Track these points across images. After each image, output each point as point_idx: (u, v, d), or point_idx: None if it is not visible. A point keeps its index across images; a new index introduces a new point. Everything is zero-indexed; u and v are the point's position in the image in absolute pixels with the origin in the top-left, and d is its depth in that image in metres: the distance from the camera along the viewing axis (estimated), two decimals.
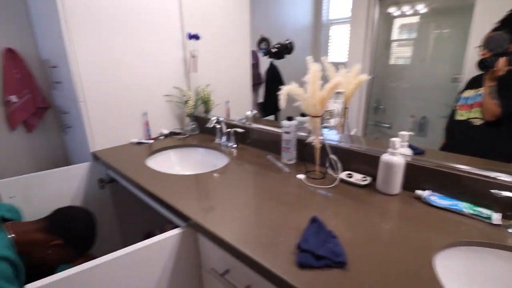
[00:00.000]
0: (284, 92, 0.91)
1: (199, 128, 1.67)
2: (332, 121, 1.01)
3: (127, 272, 0.71)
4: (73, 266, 1.01)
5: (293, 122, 1.10)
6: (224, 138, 1.42)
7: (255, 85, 1.58)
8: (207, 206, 0.82)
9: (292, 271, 0.56)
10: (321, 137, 0.98)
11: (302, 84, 0.92)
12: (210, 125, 1.32)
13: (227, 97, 1.62)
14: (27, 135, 1.62)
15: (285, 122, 1.10)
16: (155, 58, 1.49)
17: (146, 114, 1.51)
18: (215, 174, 1.07)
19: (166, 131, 1.61)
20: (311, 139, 0.98)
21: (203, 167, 1.35)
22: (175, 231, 0.79)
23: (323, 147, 0.98)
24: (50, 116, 1.68)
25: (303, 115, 1.15)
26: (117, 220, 1.49)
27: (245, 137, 1.41)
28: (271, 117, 1.52)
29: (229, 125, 1.43)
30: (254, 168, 1.11)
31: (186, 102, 1.61)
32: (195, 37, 1.50)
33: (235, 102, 1.61)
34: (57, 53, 1.32)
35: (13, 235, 0.89)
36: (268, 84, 1.54)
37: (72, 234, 0.98)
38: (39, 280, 0.60)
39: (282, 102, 0.91)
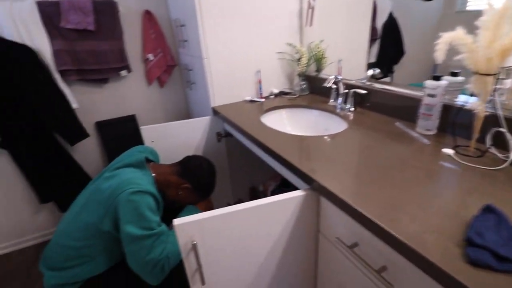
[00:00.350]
0: (445, 40, 0.70)
1: (309, 89, 1.57)
2: (509, 82, 0.75)
3: (253, 222, 0.74)
4: (197, 208, 1.17)
5: (442, 83, 0.87)
6: (340, 100, 1.29)
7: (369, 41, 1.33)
8: (332, 172, 0.76)
9: (460, 267, 0.45)
10: (487, 104, 0.74)
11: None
12: (327, 84, 1.21)
13: (340, 55, 1.44)
14: (159, 90, 1.87)
15: (429, 83, 0.89)
16: (269, 11, 1.42)
17: (259, 72, 1.50)
18: (331, 138, 0.98)
19: (276, 91, 1.58)
20: (473, 105, 0.76)
21: (314, 130, 1.29)
22: (298, 193, 0.76)
23: (488, 117, 0.75)
24: (176, 73, 1.87)
25: (453, 74, 0.91)
26: (228, 171, 1.63)
27: (365, 100, 1.24)
28: (387, 79, 1.28)
29: (347, 86, 1.28)
30: (379, 136, 0.96)
31: (298, 59, 1.51)
32: None
33: (349, 61, 1.42)
34: (186, 12, 1.40)
35: (154, 175, 1.05)
36: (384, 40, 1.28)
37: (199, 181, 1.10)
38: (188, 216, 0.68)
39: (440, 54, 0.71)
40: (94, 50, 1.50)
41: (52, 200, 1.65)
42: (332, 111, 1.28)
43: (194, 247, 0.68)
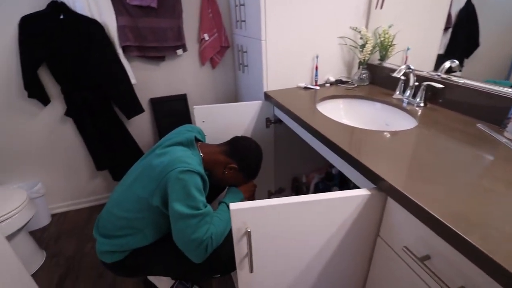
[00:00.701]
0: None
1: (369, 78, 1.45)
2: None
3: (310, 216, 0.70)
4: (240, 192, 1.15)
5: None
6: (407, 93, 1.16)
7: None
8: (403, 173, 0.68)
9: None
10: None
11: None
12: (397, 74, 1.09)
13: (409, 43, 1.29)
14: (211, 71, 1.87)
15: None
16: None
17: (316, 58, 1.42)
18: (398, 135, 0.89)
19: (332, 79, 1.48)
20: None
21: (374, 124, 1.18)
22: (362, 192, 0.70)
23: None
24: (228, 55, 1.85)
25: None
26: (273, 159, 1.59)
27: (437, 95, 1.11)
28: (457, 74, 1.11)
29: (418, 78, 1.15)
30: (457, 138, 0.84)
31: (362, 46, 1.39)
32: None
33: (417, 50, 1.27)
34: None
35: (201, 155, 1.05)
36: (457, 29, 1.09)
37: (246, 162, 1.07)
38: (245, 202, 0.65)
39: None
40: (155, 28, 1.52)
41: (107, 168, 1.78)
42: (397, 105, 1.16)
43: (248, 234, 0.66)
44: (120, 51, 1.50)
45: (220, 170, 1.07)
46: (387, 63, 1.40)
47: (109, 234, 1.04)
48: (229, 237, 1.05)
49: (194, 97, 1.89)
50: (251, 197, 1.17)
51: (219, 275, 1.14)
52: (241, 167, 1.07)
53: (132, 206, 0.99)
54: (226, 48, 1.80)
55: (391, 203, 0.68)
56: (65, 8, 1.37)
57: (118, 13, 1.44)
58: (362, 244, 0.78)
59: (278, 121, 1.45)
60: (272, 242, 0.72)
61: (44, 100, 1.55)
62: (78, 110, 1.57)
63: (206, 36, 1.69)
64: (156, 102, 1.78)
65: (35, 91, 1.50)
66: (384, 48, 1.38)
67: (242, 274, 0.76)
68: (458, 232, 0.49)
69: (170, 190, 0.88)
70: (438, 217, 0.53)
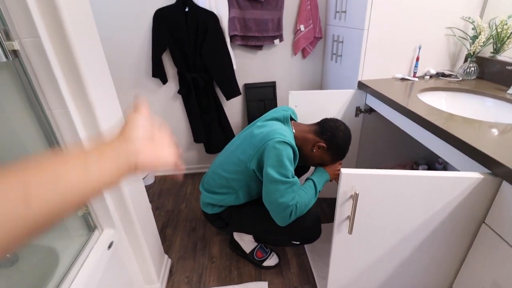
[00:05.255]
0: None
1: (477, 73, 1.36)
2: None
3: (417, 191, 0.75)
4: (326, 172, 1.22)
5: None
6: None
7: None
8: None
9: None
10: None
11: None
12: None
13: None
14: (301, 61, 1.97)
15: None
16: None
17: (419, 48, 1.39)
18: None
19: (433, 71, 1.43)
20: None
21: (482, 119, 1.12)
22: (475, 175, 0.71)
23: None
24: (320, 45, 1.92)
25: None
26: (357, 148, 1.62)
27: None
28: None
29: None
30: None
31: (474, 37, 1.31)
32: None
33: None
34: None
35: (294, 131, 1.16)
36: None
37: (334, 141, 1.12)
38: (356, 169, 0.74)
39: None
40: (258, 19, 1.69)
41: (202, 142, 2.06)
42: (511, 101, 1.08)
43: (355, 197, 0.75)
44: (228, 40, 1.72)
45: (309, 148, 1.14)
46: (502, 56, 1.29)
47: (212, 190, 1.25)
48: (313, 210, 1.15)
49: (282, 85, 2.02)
50: (336, 179, 1.23)
51: (298, 243, 1.26)
52: (329, 146, 1.12)
53: (232, 168, 1.17)
54: (318, 39, 1.87)
55: (506, 188, 0.68)
56: (190, 2, 1.63)
57: (230, 6, 1.65)
58: (463, 228, 0.80)
59: (369, 110, 1.47)
60: (374, 210, 0.79)
61: (163, 79, 1.87)
62: (187, 89, 1.85)
63: (302, 27, 1.79)
64: (249, 87, 1.98)
65: (158, 72, 1.83)
66: (500, 41, 1.27)
67: (338, 236, 0.86)
68: None
69: (266, 156, 1.02)
70: None
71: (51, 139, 0.82)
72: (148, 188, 2.17)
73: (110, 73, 0.94)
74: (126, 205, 0.99)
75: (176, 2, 1.66)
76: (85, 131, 0.83)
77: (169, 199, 2.03)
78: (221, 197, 1.23)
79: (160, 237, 1.40)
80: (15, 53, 0.70)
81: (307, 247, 1.51)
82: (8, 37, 0.68)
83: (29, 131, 0.80)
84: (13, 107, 0.77)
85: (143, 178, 1.82)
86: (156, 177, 2.30)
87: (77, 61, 0.74)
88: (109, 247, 0.95)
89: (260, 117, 1.25)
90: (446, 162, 1.30)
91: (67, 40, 0.71)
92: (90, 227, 0.97)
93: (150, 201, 2.01)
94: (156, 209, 1.94)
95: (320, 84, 2.07)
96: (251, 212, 1.24)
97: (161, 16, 1.69)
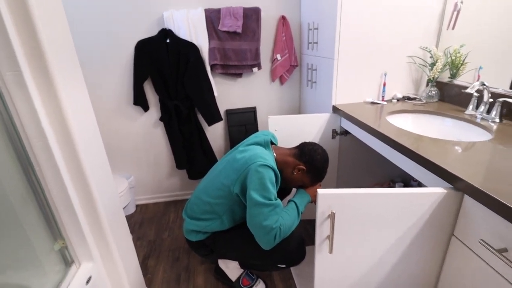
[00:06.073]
0: None
1: (438, 96, 1.49)
2: None
3: (389, 208, 0.79)
4: (307, 194, 1.26)
5: None
6: (481, 109, 1.19)
7: None
8: (481, 176, 0.74)
9: None
10: None
11: None
12: (470, 90, 1.13)
13: (481, 61, 1.31)
14: (279, 87, 2.07)
15: None
16: (405, 14, 1.41)
17: (385, 75, 1.51)
18: (472, 145, 0.93)
19: (399, 95, 1.56)
20: None
21: (446, 138, 1.22)
22: (438, 190, 0.77)
23: None
24: (296, 72, 2.04)
25: None
26: (336, 169, 1.69)
27: None
28: None
29: (493, 95, 1.17)
30: None
31: (432, 64, 1.45)
32: None
33: (491, 68, 1.28)
34: (321, 17, 1.54)
35: (275, 155, 1.21)
36: None
37: (313, 164, 1.17)
38: (330, 189, 0.78)
39: None
40: (237, 49, 1.79)
41: (185, 168, 2.05)
42: (470, 120, 1.19)
43: (332, 216, 0.78)
44: (208, 69, 1.79)
45: (290, 171, 1.19)
46: (458, 81, 1.43)
47: (195, 216, 1.25)
48: (296, 232, 1.17)
49: (262, 110, 2.10)
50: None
51: (284, 266, 1.26)
52: (308, 168, 1.18)
53: (216, 193, 1.18)
54: (294, 66, 1.99)
55: (468, 201, 0.74)
56: (171, 34, 1.71)
57: (210, 37, 1.74)
58: (436, 240, 0.84)
59: (344, 132, 1.55)
60: (351, 228, 0.82)
61: (145, 107, 1.89)
62: (169, 116, 1.88)
63: (278, 56, 1.91)
64: (230, 113, 2.03)
65: (140, 100, 1.86)
66: (455, 67, 1.42)
67: (320, 256, 0.88)
68: None
69: (249, 180, 1.05)
70: None
71: (28, 172, 0.81)
72: (129, 217, 2.11)
73: (89, 100, 0.95)
74: (105, 237, 0.96)
75: (158, 33, 1.73)
76: (63, 160, 0.83)
77: (151, 228, 1.98)
78: (205, 223, 1.22)
79: (142, 269, 1.35)
80: None
81: (293, 271, 1.50)
82: None
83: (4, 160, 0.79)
84: None
85: (124, 208, 1.77)
86: (137, 205, 2.24)
87: (57, 90, 0.76)
88: (87, 282, 0.91)
89: (242, 142, 1.28)
90: None
91: (47, 69, 0.74)
92: (67, 261, 0.94)
93: (131, 232, 1.96)
94: (137, 240, 1.87)
95: (298, 108, 2.16)
96: (235, 237, 1.24)
97: (143, 47, 1.74)
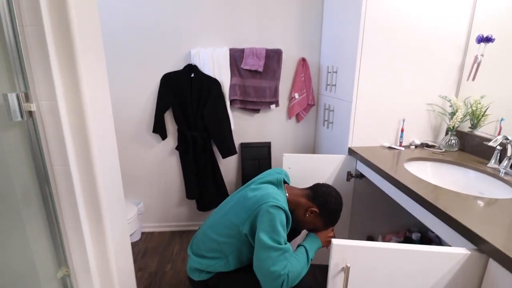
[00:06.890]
0: None
1: (458, 145, 1.45)
2: None
3: (406, 265, 0.74)
4: (318, 238, 1.20)
5: None
6: (504, 163, 1.14)
7: None
8: (507, 237, 0.69)
9: None
10: None
11: None
12: (493, 143, 1.10)
13: (503, 113, 1.29)
14: (296, 124, 2.10)
15: None
16: (424, 64, 1.44)
17: (403, 121, 1.51)
18: (496, 202, 0.88)
19: (418, 142, 1.53)
20: None
21: (466, 191, 1.17)
22: (461, 250, 0.72)
23: None
24: (313, 112, 2.07)
25: None
26: (350, 213, 1.63)
27: None
28: None
29: None
30: None
31: (452, 113, 1.44)
32: (487, 39, 1.29)
33: None
34: (341, 61, 1.59)
35: (287, 195, 1.18)
36: None
37: (327, 207, 1.13)
38: (345, 240, 0.75)
39: None
40: (257, 87, 1.86)
41: (195, 198, 2.04)
42: (493, 174, 1.14)
43: (347, 270, 0.73)
44: (228, 103, 1.85)
45: (302, 212, 1.15)
46: (479, 132, 1.40)
47: (201, 254, 1.20)
48: (305, 280, 1.10)
49: (277, 146, 2.11)
50: (328, 246, 1.21)
51: None
52: (321, 211, 1.13)
53: (224, 231, 1.14)
54: (311, 105, 2.03)
55: (493, 265, 0.69)
56: (196, 69, 1.81)
57: (232, 74, 1.83)
58: None
59: (359, 175, 1.52)
60: (366, 283, 0.77)
61: (163, 135, 1.95)
62: (186, 146, 1.92)
63: (296, 95, 1.96)
64: (245, 147, 2.06)
65: (159, 128, 1.92)
66: (476, 118, 1.40)
67: None
68: None
69: (259, 221, 1.01)
70: None
71: (46, 194, 0.83)
72: (134, 245, 2.07)
73: (114, 126, 0.99)
74: (109, 269, 0.94)
75: (183, 68, 1.83)
76: (81, 187, 0.85)
77: (154, 259, 1.92)
78: (210, 261, 1.17)
79: None
80: (30, 113, 0.76)
81: None
82: (27, 99, 0.75)
83: (26, 183, 0.81)
84: (16, 162, 0.79)
85: (131, 235, 1.75)
86: (142, 233, 2.21)
87: (86, 121, 0.80)
88: None
89: (254, 179, 1.27)
90: None
91: (81, 105, 0.78)
92: None
93: (134, 261, 1.90)
94: (138, 270, 1.82)
95: (313, 146, 2.16)
96: (240, 280, 1.18)
97: (168, 79, 1.84)
